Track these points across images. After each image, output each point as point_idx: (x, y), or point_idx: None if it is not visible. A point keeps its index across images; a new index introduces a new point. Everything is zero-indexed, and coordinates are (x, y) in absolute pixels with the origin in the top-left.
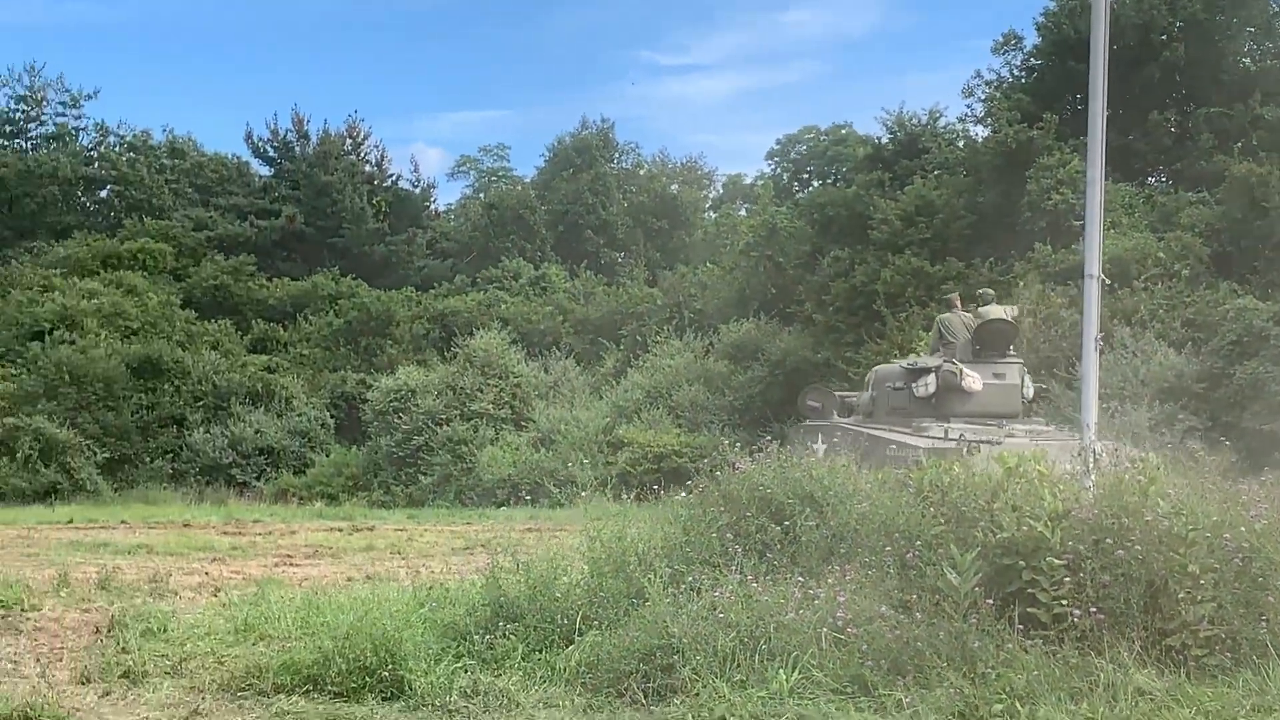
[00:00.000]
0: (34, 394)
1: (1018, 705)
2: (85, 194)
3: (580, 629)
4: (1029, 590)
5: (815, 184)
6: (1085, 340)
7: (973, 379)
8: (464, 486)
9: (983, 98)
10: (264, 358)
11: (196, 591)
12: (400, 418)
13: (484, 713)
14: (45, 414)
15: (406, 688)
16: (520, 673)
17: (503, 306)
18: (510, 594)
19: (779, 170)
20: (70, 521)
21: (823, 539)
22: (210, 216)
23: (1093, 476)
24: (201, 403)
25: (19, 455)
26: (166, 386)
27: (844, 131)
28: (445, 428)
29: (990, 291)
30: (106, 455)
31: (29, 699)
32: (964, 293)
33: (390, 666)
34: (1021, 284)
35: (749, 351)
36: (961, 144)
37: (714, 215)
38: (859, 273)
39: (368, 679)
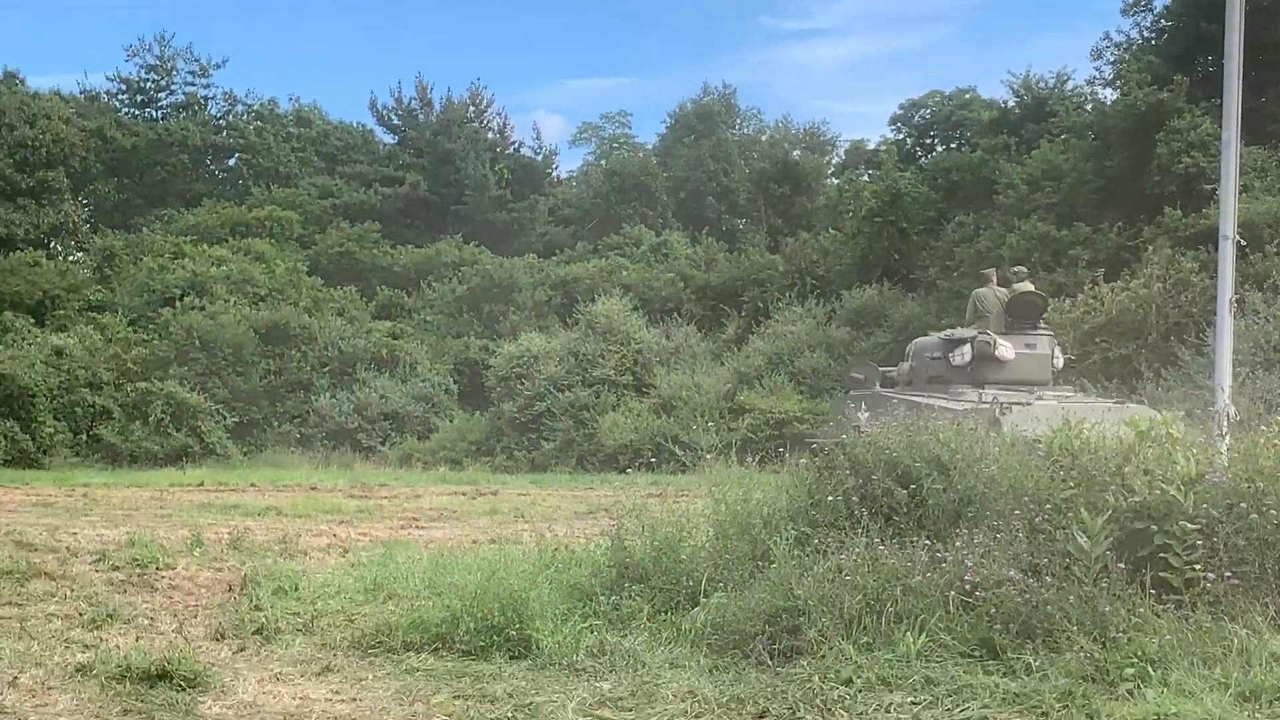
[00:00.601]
0: (165, 359)
1: (1149, 669)
2: (214, 162)
3: (705, 591)
4: (1161, 555)
5: (939, 149)
6: (1220, 303)
7: (1006, 348)
8: (586, 452)
9: (1112, 60)
10: (388, 324)
11: (325, 552)
12: (522, 384)
13: (610, 672)
14: (176, 379)
15: (533, 647)
16: (646, 633)
17: (624, 273)
18: (635, 556)
19: (902, 135)
20: (201, 484)
21: (950, 503)
22: (336, 184)
23: (1227, 440)
24: (328, 368)
25: (151, 419)
26: (294, 352)
27: (968, 96)
28: (567, 394)
29: (1023, 269)
30: (235, 420)
31: (166, 653)
32: (1000, 270)
33: (517, 626)
34: (1150, 249)
35: (871, 318)
36: (1090, 107)
37: (836, 181)
38: (984, 238)
39: (495, 638)
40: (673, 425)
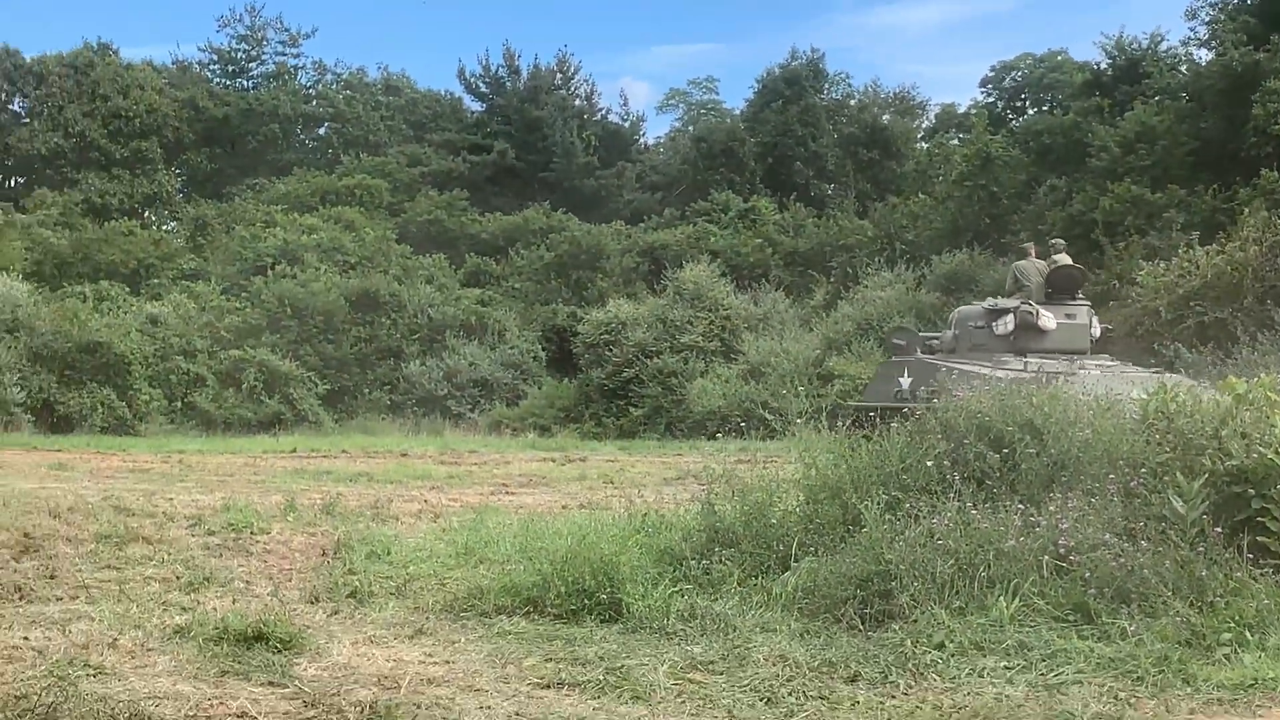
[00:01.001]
0: (258, 327)
1: (1246, 634)
2: (304, 131)
3: (796, 555)
4: (1258, 519)
5: (1030, 112)
6: None
7: (1047, 318)
8: (674, 418)
9: (1206, 20)
10: (477, 291)
11: (416, 517)
12: (611, 350)
13: (701, 636)
14: (269, 346)
15: (624, 610)
16: (737, 597)
17: (712, 239)
18: (726, 520)
19: (993, 98)
20: (294, 451)
21: (1043, 467)
22: (424, 152)
23: None
24: (417, 335)
25: (244, 386)
26: (384, 320)
27: (1060, 58)
28: (655, 360)
29: (1061, 242)
30: (327, 387)
31: (262, 616)
32: (1038, 243)
33: (608, 590)
34: (1246, 211)
35: (962, 283)
36: (1184, 68)
37: (926, 145)
38: (1076, 201)
39: (586, 601)
40: (761, 391)
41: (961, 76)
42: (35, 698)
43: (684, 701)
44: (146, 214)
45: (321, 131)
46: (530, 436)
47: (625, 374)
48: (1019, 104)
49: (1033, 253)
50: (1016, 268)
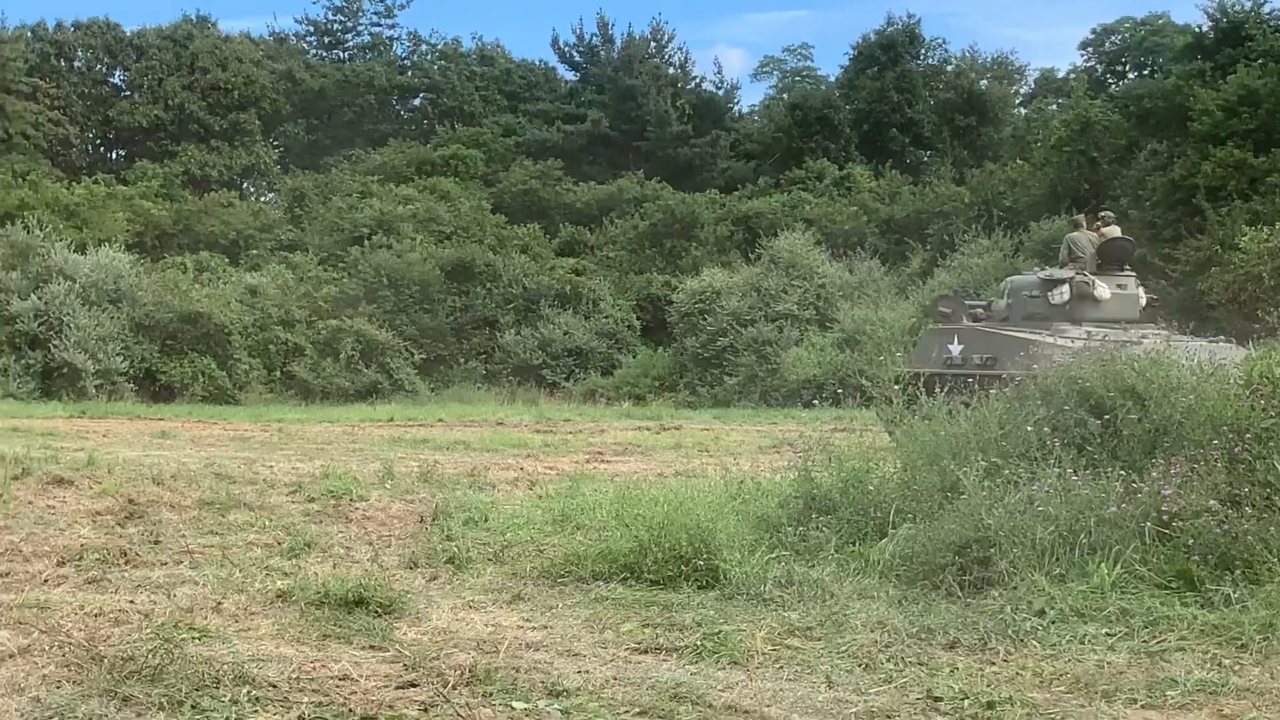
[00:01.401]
0: (355, 297)
1: None
2: (399, 102)
3: (893, 522)
4: None
5: (1131, 76)
6: None
7: (1103, 288)
8: (769, 387)
9: None
10: (571, 260)
11: (512, 485)
12: (705, 319)
13: (799, 602)
14: (365, 316)
15: (721, 577)
16: (834, 564)
17: (807, 207)
18: (822, 487)
19: (1093, 62)
20: (391, 419)
21: (1144, 433)
22: (518, 122)
23: None
24: (512, 305)
25: (342, 356)
26: (479, 289)
27: (1161, 21)
28: (750, 329)
29: (1110, 214)
30: (423, 356)
31: (362, 581)
32: (1089, 215)
33: (705, 556)
34: None
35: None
36: None
37: (1024, 111)
38: (1178, 166)
39: (683, 568)
40: (857, 360)
41: (1061, 41)
42: (142, 659)
43: (781, 667)
44: (245, 185)
45: (417, 102)
46: (625, 405)
47: (720, 343)
48: (1119, 68)
49: (1084, 224)
50: (1070, 238)
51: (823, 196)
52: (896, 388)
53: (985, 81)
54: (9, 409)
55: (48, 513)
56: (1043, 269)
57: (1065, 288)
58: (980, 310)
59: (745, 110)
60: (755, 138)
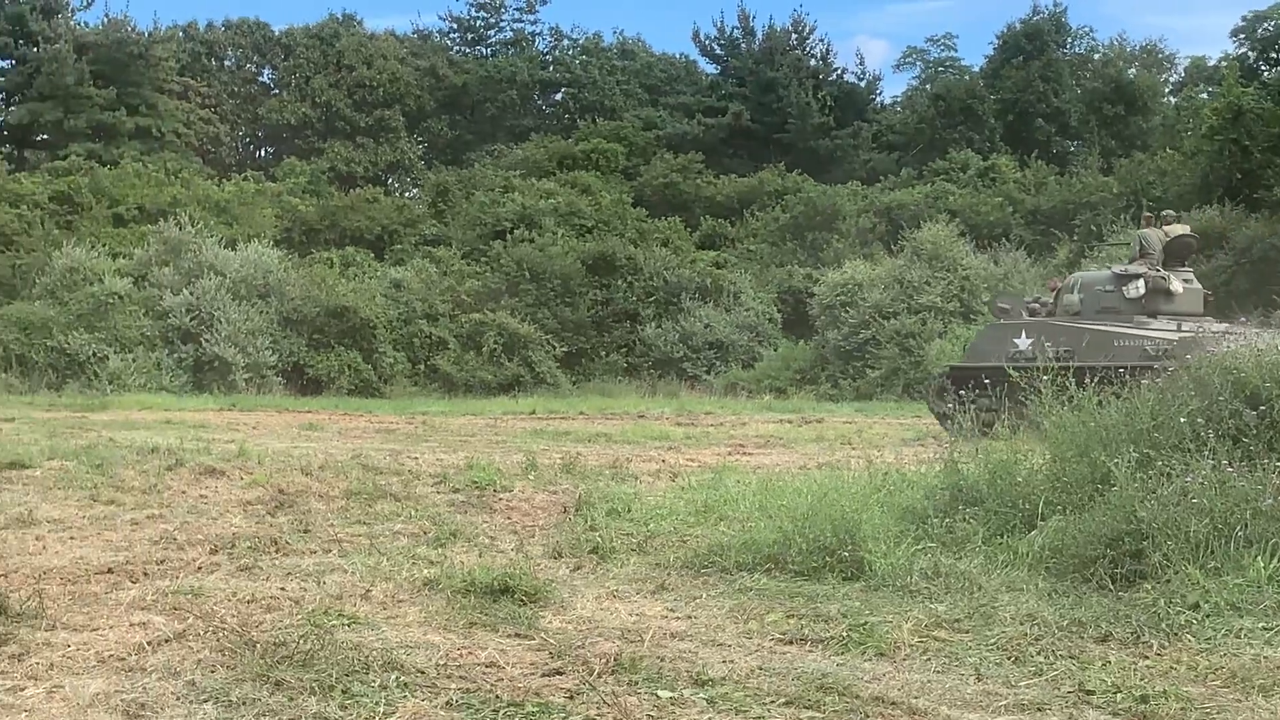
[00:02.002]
0: (497, 290)
1: None
2: (541, 97)
3: (1042, 514)
4: None
5: None
6: None
7: (1177, 283)
8: (912, 380)
9: None
10: (712, 253)
11: (654, 477)
12: (847, 312)
13: (945, 594)
14: (508, 310)
15: (866, 568)
16: (981, 556)
17: (950, 198)
18: (969, 478)
19: (1245, 49)
20: (533, 412)
21: None
22: (659, 116)
23: None
24: (653, 298)
25: (485, 349)
26: (620, 283)
27: None
28: (892, 321)
29: (1173, 212)
30: (564, 349)
31: (507, 570)
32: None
33: (849, 547)
34: None
35: (1212, 240)
36: None
37: (1174, 99)
38: None
39: (827, 559)
40: None
41: (1211, 28)
42: (294, 645)
43: (929, 659)
44: (390, 181)
45: (558, 97)
46: (766, 398)
47: (861, 335)
48: (1273, 55)
49: (1153, 221)
50: (1141, 235)
51: (966, 187)
52: (949, 382)
53: (1134, 70)
54: (162, 402)
55: (200, 502)
56: (1112, 266)
57: (1140, 282)
58: (1036, 306)
59: (887, 101)
60: (898, 129)
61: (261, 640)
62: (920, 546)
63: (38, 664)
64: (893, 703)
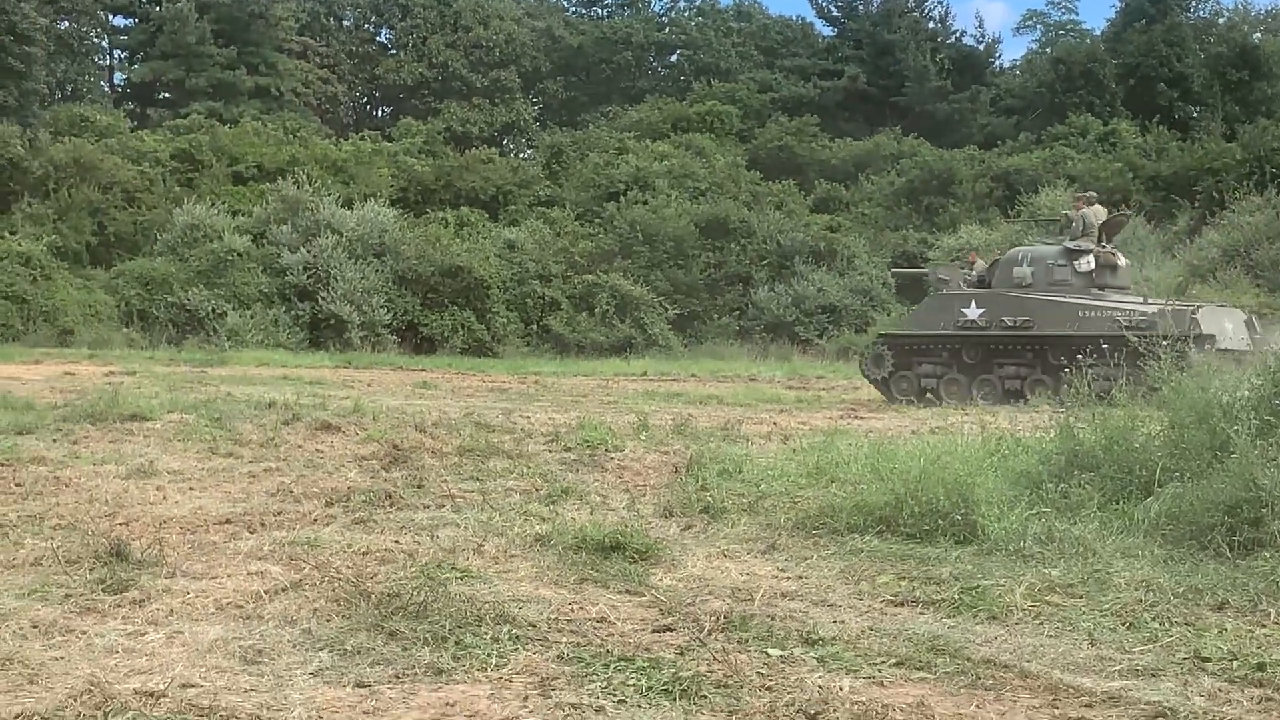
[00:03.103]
0: (610, 252)
1: None
2: (656, 59)
3: (1159, 480)
4: None
5: None
6: None
7: (1121, 258)
8: None
9: None
10: (826, 217)
11: (766, 439)
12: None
13: (1059, 559)
14: (620, 271)
15: (979, 532)
16: (1096, 521)
17: (1069, 163)
18: (1085, 444)
19: None
20: (644, 374)
21: None
22: (774, 78)
23: None
24: (766, 261)
25: (597, 311)
26: (733, 245)
27: None
28: None
29: (1094, 194)
30: (676, 311)
31: (619, 527)
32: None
33: (962, 511)
34: None
35: None
36: None
37: None
38: None
39: (940, 522)
40: None
41: None
42: (407, 596)
43: (1042, 623)
44: (505, 142)
45: (673, 59)
46: None
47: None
48: None
49: (1086, 202)
50: (1083, 213)
51: (1086, 152)
52: (886, 350)
53: (1259, 35)
54: (279, 358)
55: (316, 456)
56: (1045, 240)
57: (1090, 258)
58: (971, 277)
59: (1006, 65)
60: (1016, 93)
61: (376, 591)
62: (1034, 511)
63: (158, 610)
64: (1004, 666)
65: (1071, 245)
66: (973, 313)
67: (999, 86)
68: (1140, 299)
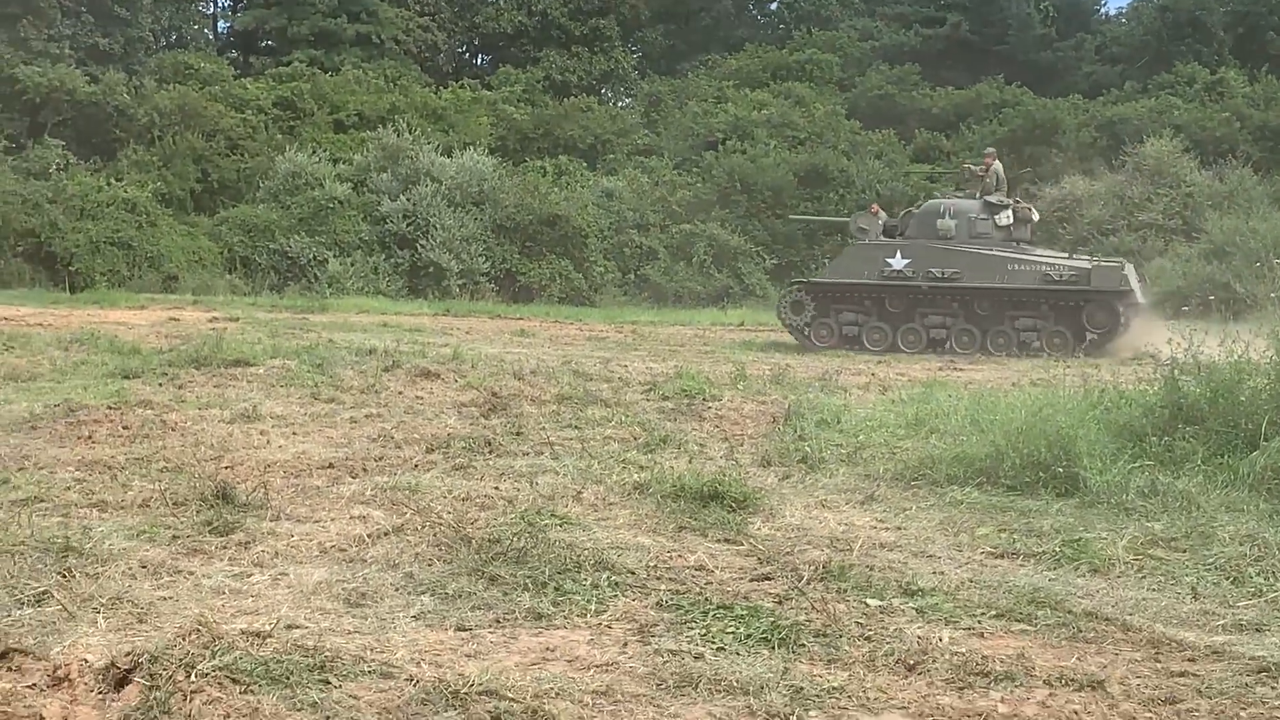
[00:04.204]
0: (708, 202)
1: None
2: (756, 6)
3: (1265, 434)
4: None
5: None
6: None
7: (1035, 214)
8: None
9: None
10: (926, 167)
11: (864, 390)
12: (1065, 228)
13: (1163, 512)
14: (718, 221)
15: (1080, 484)
16: (1200, 475)
17: (1175, 113)
18: (1190, 397)
19: None
20: (741, 324)
21: None
22: (876, 26)
23: None
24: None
25: (694, 260)
26: (832, 195)
27: None
28: (1111, 238)
29: (994, 150)
30: (774, 261)
31: (717, 476)
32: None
33: (1064, 463)
34: None
35: None
36: None
37: None
38: None
39: (1041, 474)
40: (1224, 272)
41: None
42: (508, 542)
43: (1144, 576)
44: (603, 90)
45: (773, 7)
46: None
47: (1080, 252)
48: None
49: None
50: (996, 169)
51: (1193, 102)
52: (806, 297)
53: None
54: (380, 305)
55: (416, 403)
56: (953, 193)
57: (1009, 212)
58: (893, 227)
59: (1112, 12)
60: (1122, 41)
61: (476, 536)
62: (1137, 464)
63: (263, 552)
64: (1106, 619)
65: (993, 199)
66: (898, 263)
67: (1104, 34)
68: (1065, 254)
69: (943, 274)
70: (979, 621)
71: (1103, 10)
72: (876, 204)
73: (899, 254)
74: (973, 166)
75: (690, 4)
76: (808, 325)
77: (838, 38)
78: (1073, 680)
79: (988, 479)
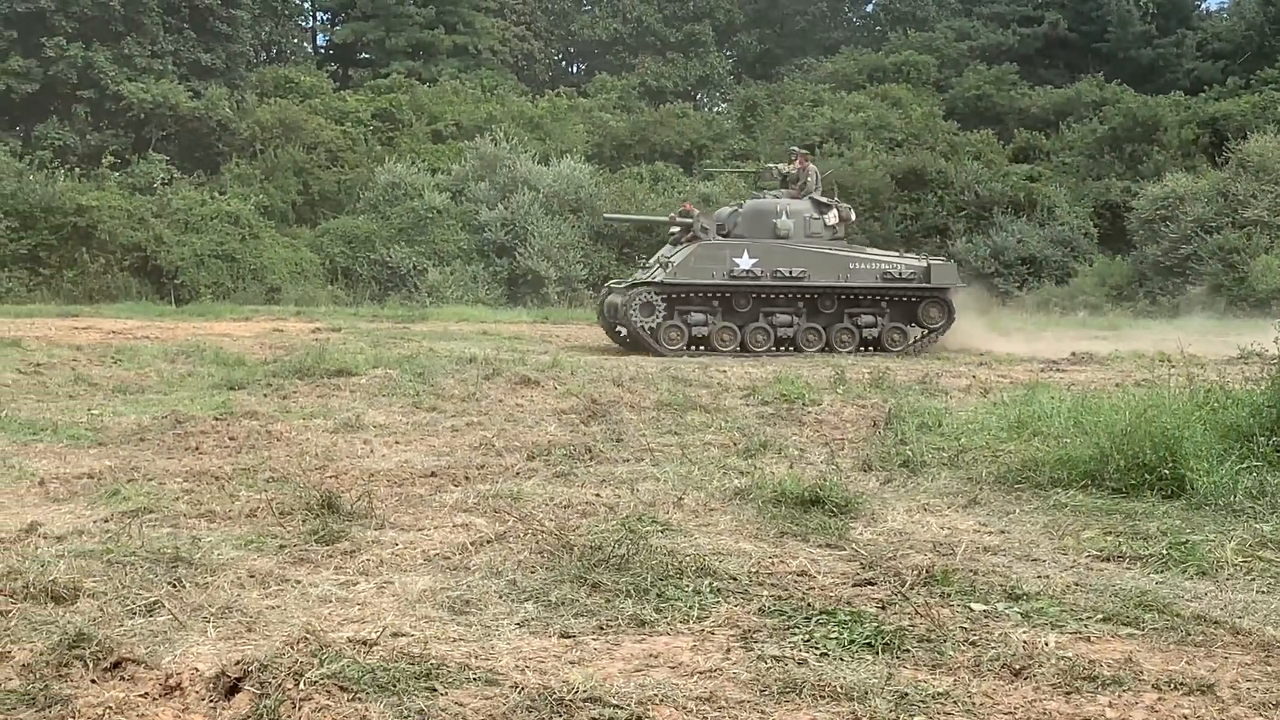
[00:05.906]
0: None
1: None
2: (851, 9)
3: None
4: None
5: None
6: None
7: (853, 214)
8: (1235, 297)
9: None
10: (1026, 167)
11: (965, 392)
12: (1167, 226)
13: (1271, 513)
14: None
15: (1187, 486)
16: None
17: (1279, 109)
18: None
19: None
20: None
21: None
22: (973, 26)
23: None
24: (964, 212)
25: None
26: (930, 196)
27: None
28: (1215, 236)
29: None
30: None
31: (818, 481)
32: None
33: (1170, 465)
34: None
35: None
36: None
37: None
38: None
39: (1146, 476)
40: None
41: None
42: (610, 549)
43: (1253, 579)
44: (699, 96)
45: (869, 9)
46: (1080, 315)
47: (1182, 251)
48: None
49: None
50: (814, 170)
51: None
52: (657, 298)
53: None
54: (478, 314)
55: (517, 410)
56: (770, 193)
57: (835, 212)
58: (720, 227)
59: (1213, 8)
60: (1224, 36)
61: (579, 543)
62: (1245, 465)
63: (368, 561)
64: (1215, 622)
65: (821, 199)
66: (745, 263)
67: (1206, 30)
68: (896, 253)
69: (790, 273)
70: (1085, 625)
71: (1203, 5)
72: (689, 203)
73: (746, 254)
74: (777, 166)
75: (785, 8)
76: (658, 328)
77: (934, 38)
78: (1182, 684)
79: (1092, 481)
